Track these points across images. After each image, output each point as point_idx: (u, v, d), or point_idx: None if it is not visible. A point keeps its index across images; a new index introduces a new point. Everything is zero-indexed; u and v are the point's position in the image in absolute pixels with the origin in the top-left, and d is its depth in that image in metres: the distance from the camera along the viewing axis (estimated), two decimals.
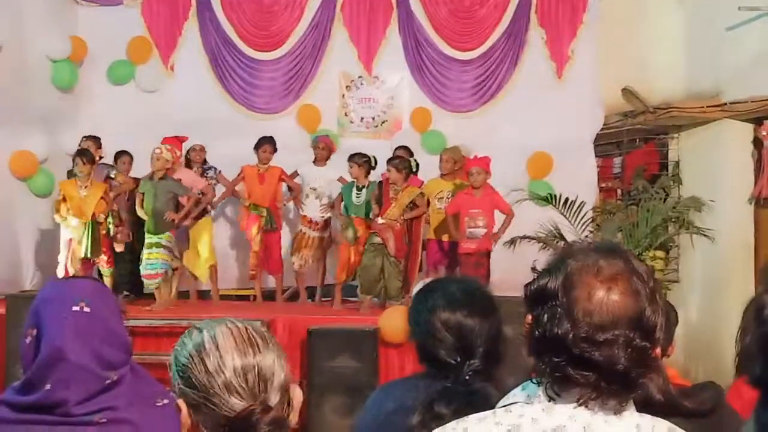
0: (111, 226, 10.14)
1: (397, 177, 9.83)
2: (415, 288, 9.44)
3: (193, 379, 1.86)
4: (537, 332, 1.86)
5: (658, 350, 1.86)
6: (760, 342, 1.79)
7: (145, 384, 2.52)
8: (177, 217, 9.95)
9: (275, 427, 1.83)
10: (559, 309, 1.83)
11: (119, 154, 10.72)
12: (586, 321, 1.81)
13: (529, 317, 1.91)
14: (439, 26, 11.98)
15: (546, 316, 1.85)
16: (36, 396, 2.35)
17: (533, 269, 1.96)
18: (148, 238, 9.89)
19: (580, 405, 1.82)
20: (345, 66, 12.06)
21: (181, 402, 1.90)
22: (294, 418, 1.92)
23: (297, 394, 1.93)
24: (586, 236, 9.56)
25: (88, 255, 9.78)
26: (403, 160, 10.10)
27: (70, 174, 10.22)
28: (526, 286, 1.95)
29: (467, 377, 2.66)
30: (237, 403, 1.82)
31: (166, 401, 2.48)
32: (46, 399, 2.34)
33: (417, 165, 10.61)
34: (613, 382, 1.81)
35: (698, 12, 10.93)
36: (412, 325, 2.90)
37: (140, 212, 10.01)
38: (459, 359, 2.72)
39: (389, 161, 10.00)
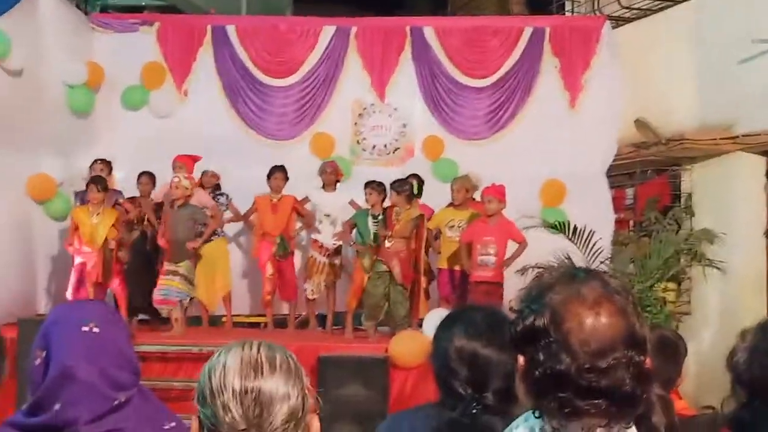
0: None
1: (397, 199, 9.82)
2: (426, 316, 9.49)
3: (203, 396, 1.87)
4: (537, 372, 1.84)
5: (649, 360, 1.85)
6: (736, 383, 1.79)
7: (153, 407, 2.52)
8: (196, 245, 9.97)
9: None
10: (553, 345, 1.82)
11: (140, 175, 10.78)
12: (585, 350, 1.80)
13: (521, 359, 1.89)
14: (453, 54, 12.03)
15: (541, 354, 1.83)
16: (45, 417, 2.36)
17: (511, 309, 1.95)
18: (167, 266, 9.91)
19: None
20: (358, 93, 12.12)
21: (194, 417, 1.90)
22: None
23: (314, 425, 1.92)
24: (598, 266, 9.52)
25: (99, 280, 9.81)
26: (402, 182, 10.07)
27: (79, 197, 10.27)
28: (510, 327, 1.93)
29: (474, 411, 2.60)
30: (231, 425, 1.82)
31: (173, 424, 2.48)
32: (56, 419, 2.35)
33: (420, 187, 10.56)
34: (621, 404, 1.80)
35: (711, 44, 10.94)
36: (432, 351, 2.83)
37: (161, 241, 10.04)
38: (470, 391, 2.65)
39: (390, 185, 9.99)
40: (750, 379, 1.73)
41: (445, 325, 2.83)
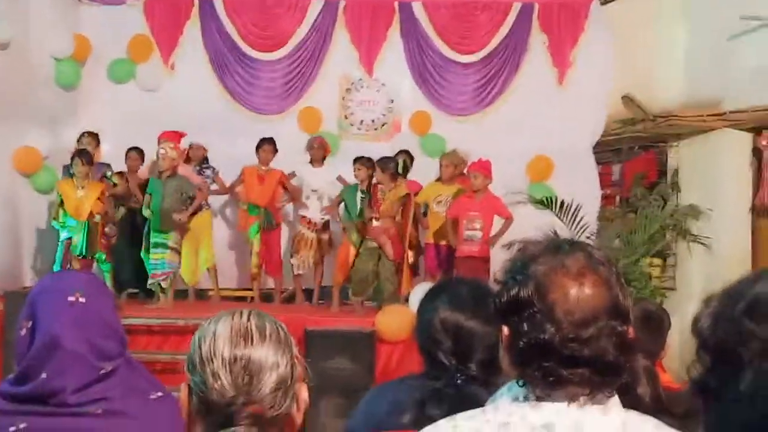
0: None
1: (381, 177, 9.83)
2: (412, 291, 9.52)
3: (192, 364, 1.89)
4: (521, 342, 1.86)
5: (631, 329, 1.88)
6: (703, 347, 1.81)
7: (140, 376, 2.54)
8: (184, 216, 9.97)
9: (254, 421, 1.84)
10: (538, 315, 1.84)
11: (129, 150, 10.76)
12: (568, 320, 1.82)
13: (506, 329, 1.90)
14: (441, 29, 12.00)
15: (525, 324, 1.85)
16: (31, 385, 2.37)
17: (496, 280, 1.96)
18: (154, 237, 9.90)
19: (571, 402, 1.83)
20: (346, 68, 12.08)
21: (183, 385, 1.92)
22: (299, 418, 1.93)
23: (303, 394, 1.95)
24: (587, 241, 9.55)
25: (84, 253, 9.80)
26: (387, 159, 10.07)
27: (67, 171, 10.25)
28: (495, 298, 1.94)
29: (458, 381, 2.62)
30: (220, 392, 1.84)
31: (160, 394, 2.50)
32: (42, 388, 2.36)
33: (405, 165, 10.57)
34: (604, 373, 1.83)
35: (700, 21, 10.94)
36: (416, 323, 2.85)
37: (146, 212, 10.03)
38: (454, 362, 2.67)
39: (376, 163, 9.99)
40: (714, 344, 1.75)
41: (429, 297, 2.85)
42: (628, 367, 1.86)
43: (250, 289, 11.05)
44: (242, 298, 11.48)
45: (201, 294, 11.07)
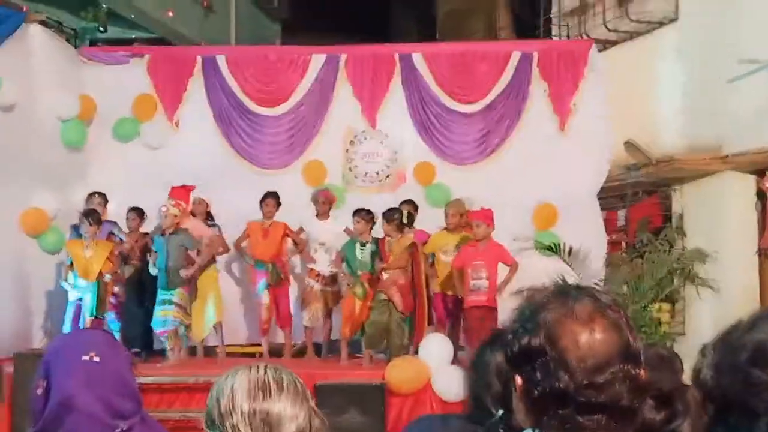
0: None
1: (387, 229, 9.87)
2: (422, 343, 9.47)
3: (211, 419, 1.89)
4: (535, 391, 1.86)
5: (644, 372, 1.87)
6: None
7: None
8: (189, 273, 9.98)
9: None
10: (550, 363, 1.83)
11: (128, 211, 10.79)
12: (582, 367, 1.81)
13: (519, 379, 1.90)
14: (442, 80, 12.07)
15: (539, 373, 1.84)
16: None
17: (504, 329, 1.96)
18: (161, 295, 9.92)
19: None
20: (349, 120, 12.12)
21: None
22: None
23: None
24: (594, 286, 9.53)
25: (94, 313, 9.80)
26: (391, 211, 10.09)
27: (75, 231, 10.27)
28: (506, 348, 1.95)
29: (500, 429, 2.55)
30: None
31: None
32: None
33: (410, 215, 10.57)
34: (620, 419, 1.82)
35: (698, 64, 11.02)
36: (470, 364, 2.84)
37: (153, 269, 10.04)
38: (500, 409, 2.59)
39: (382, 215, 10.02)
40: (720, 395, 1.74)
41: (491, 341, 2.84)
42: (640, 410, 1.85)
43: (259, 344, 11.01)
44: (251, 355, 11.42)
45: (209, 351, 11.03)
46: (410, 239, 9.99)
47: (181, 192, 10.42)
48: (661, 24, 11.65)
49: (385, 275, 9.78)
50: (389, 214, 9.94)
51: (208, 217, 11.01)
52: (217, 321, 10.69)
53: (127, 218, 10.82)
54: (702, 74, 10.96)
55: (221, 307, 10.71)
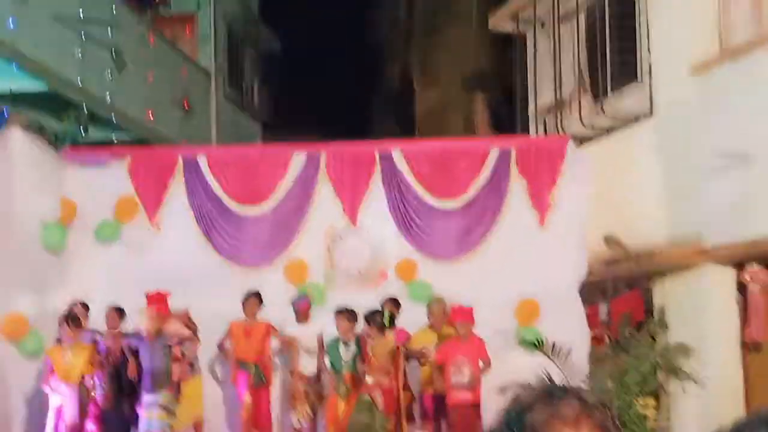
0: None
1: (369, 330, 9.88)
2: None
3: None
4: None
5: None
6: None
7: None
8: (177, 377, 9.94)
9: None
10: None
11: (108, 311, 10.71)
12: None
13: None
14: (421, 177, 12.16)
15: None
16: None
17: (491, 430, 1.95)
18: (146, 397, 9.81)
19: None
20: (330, 219, 12.17)
21: None
22: None
23: None
24: (577, 383, 9.48)
25: (75, 420, 9.69)
26: (373, 313, 10.13)
27: (59, 341, 10.19)
28: None
29: None
30: None
31: None
32: None
33: (391, 316, 10.53)
34: None
35: (675, 159, 11.13)
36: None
37: (132, 375, 9.97)
38: None
39: (364, 317, 10.03)
40: None
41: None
42: None
43: None
44: None
45: None
46: (392, 342, 9.98)
47: (156, 298, 10.33)
48: (636, 119, 11.81)
49: (369, 379, 9.74)
50: (372, 317, 9.95)
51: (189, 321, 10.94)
52: (197, 421, 10.53)
53: (107, 317, 10.74)
54: (679, 167, 11.06)
55: (201, 407, 10.57)
